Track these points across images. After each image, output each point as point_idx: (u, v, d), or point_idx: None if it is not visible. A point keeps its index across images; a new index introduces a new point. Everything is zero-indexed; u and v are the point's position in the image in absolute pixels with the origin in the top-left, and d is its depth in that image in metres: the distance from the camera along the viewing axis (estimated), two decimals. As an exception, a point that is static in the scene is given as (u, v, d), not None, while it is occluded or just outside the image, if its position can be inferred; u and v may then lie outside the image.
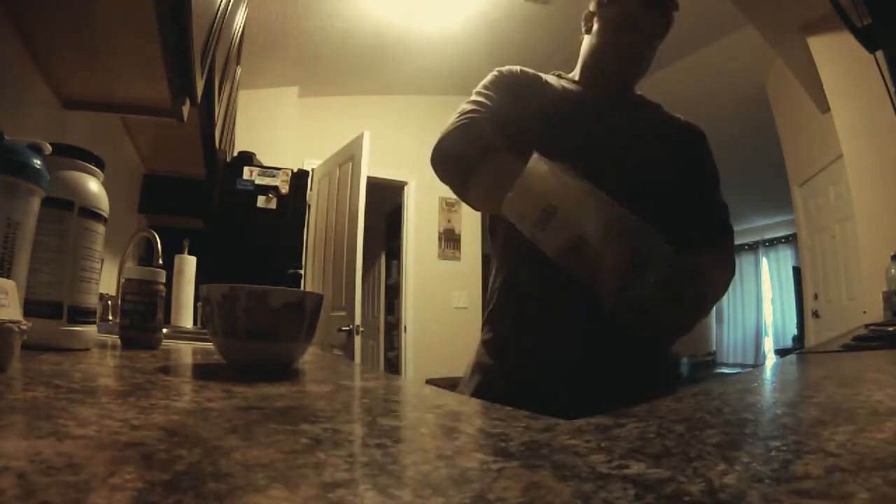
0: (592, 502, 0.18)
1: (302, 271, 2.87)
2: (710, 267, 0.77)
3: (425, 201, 4.30)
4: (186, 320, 1.54)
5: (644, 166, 0.85)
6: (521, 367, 0.84)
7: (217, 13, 1.13)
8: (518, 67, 0.96)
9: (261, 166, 2.71)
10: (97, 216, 0.63)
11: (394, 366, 4.73)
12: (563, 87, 0.95)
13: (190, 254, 1.61)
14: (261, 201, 2.63)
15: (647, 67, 0.93)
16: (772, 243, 7.49)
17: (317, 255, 3.33)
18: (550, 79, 0.97)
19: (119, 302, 0.84)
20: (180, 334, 1.14)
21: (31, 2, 0.76)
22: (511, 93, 0.90)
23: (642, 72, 0.93)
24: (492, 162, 0.76)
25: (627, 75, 0.93)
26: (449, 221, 4.42)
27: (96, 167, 0.65)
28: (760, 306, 7.62)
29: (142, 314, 0.74)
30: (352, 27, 3.19)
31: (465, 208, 4.29)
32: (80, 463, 0.19)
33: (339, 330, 2.84)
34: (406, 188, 4.24)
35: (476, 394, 0.85)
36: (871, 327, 1.25)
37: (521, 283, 0.89)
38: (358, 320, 2.78)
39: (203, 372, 0.55)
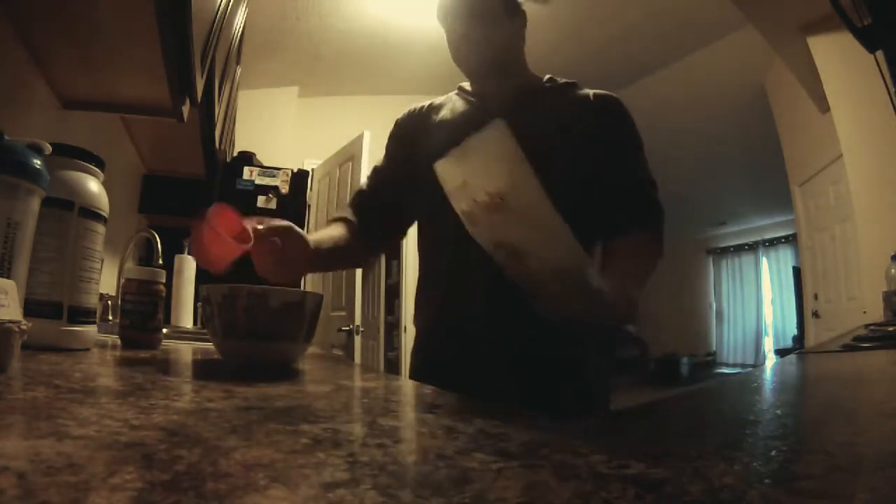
0: (592, 502, 0.18)
1: (302, 271, 2.86)
2: (634, 266, 0.81)
3: (425, 201, 4.29)
4: (186, 320, 1.54)
5: (553, 157, 0.79)
6: (433, 369, 0.87)
7: (217, 13, 1.13)
8: (409, 109, 1.00)
9: (261, 166, 2.71)
10: (97, 216, 0.63)
11: (394, 366, 4.72)
12: (453, 106, 0.95)
13: (190, 254, 1.61)
14: (261, 201, 2.63)
15: (499, 46, 0.88)
16: (772, 243, 7.49)
17: (317, 255, 3.32)
18: (447, 100, 0.97)
19: (119, 302, 0.84)
20: (180, 334, 1.14)
21: (31, 2, 0.76)
22: (401, 143, 0.97)
23: (494, 55, 0.88)
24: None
25: (482, 67, 0.89)
26: (449, 221, 4.41)
27: (96, 167, 0.65)
28: (760, 306, 7.61)
29: (142, 314, 0.74)
30: (352, 27, 3.19)
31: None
32: (80, 463, 0.19)
33: (339, 330, 2.84)
34: (406, 188, 4.23)
35: None
36: (871, 327, 1.25)
37: (432, 286, 0.92)
38: (358, 320, 2.78)
39: (203, 372, 0.55)
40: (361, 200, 0.98)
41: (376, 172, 0.99)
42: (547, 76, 0.94)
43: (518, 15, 0.91)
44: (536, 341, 0.79)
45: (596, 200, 0.85)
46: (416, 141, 0.93)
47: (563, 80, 0.94)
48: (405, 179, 0.93)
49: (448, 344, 0.87)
